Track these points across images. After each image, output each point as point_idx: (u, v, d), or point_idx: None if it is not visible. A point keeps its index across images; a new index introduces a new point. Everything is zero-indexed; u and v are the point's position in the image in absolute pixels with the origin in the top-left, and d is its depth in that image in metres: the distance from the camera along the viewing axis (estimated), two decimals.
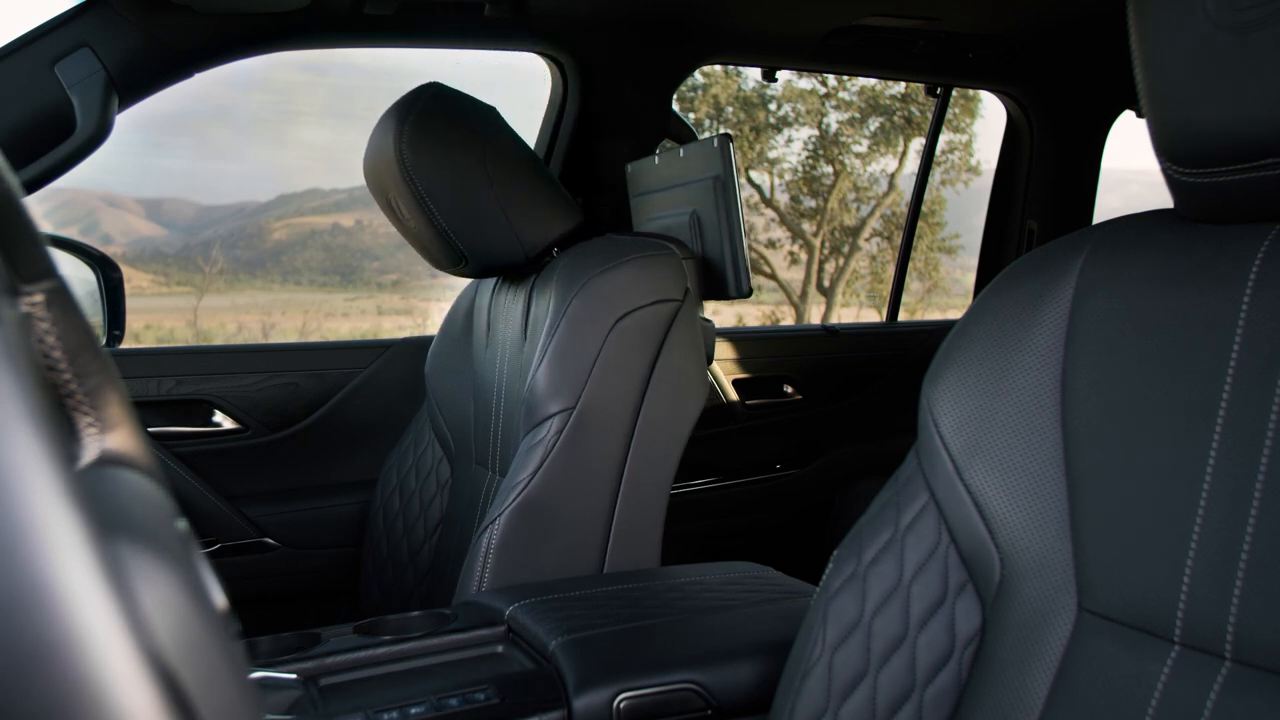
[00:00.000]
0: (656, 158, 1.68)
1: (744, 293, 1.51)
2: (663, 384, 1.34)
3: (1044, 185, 2.47)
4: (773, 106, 10.80)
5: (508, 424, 1.45)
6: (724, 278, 1.53)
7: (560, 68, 1.94)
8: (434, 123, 1.36)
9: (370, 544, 1.68)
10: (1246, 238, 0.63)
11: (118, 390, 0.26)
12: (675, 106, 2.04)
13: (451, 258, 1.44)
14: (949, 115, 4.02)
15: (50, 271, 0.25)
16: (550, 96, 2.00)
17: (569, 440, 1.29)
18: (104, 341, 1.61)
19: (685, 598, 1.12)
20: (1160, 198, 0.72)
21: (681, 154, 1.61)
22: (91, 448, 0.26)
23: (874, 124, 10.91)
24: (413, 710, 0.87)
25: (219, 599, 0.25)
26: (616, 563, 1.34)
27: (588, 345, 1.31)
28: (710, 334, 1.50)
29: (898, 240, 7.32)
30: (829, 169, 11.00)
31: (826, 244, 11.08)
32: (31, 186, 1.40)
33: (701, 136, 1.68)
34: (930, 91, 2.53)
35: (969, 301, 0.96)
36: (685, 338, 1.37)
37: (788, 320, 11.13)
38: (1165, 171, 0.66)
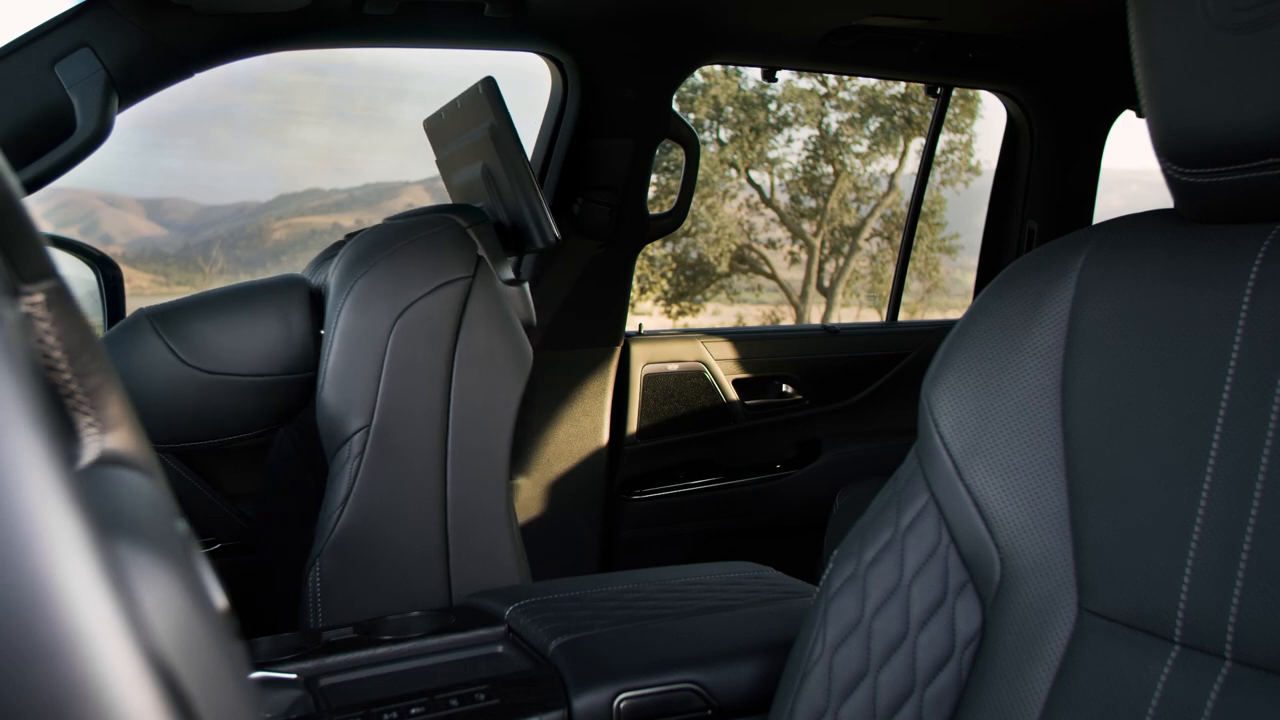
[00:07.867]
0: (444, 113, 1.54)
1: (550, 242, 1.37)
2: (469, 370, 1.21)
3: (1044, 185, 2.47)
4: (773, 106, 10.79)
5: None
6: (528, 230, 1.39)
7: (560, 68, 1.94)
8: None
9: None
10: (1246, 237, 0.63)
11: (118, 390, 0.26)
12: (675, 106, 2.04)
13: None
14: (949, 115, 4.02)
15: (50, 271, 0.25)
16: (550, 96, 2.00)
17: (375, 458, 1.17)
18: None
19: (685, 598, 1.11)
20: (1160, 198, 0.72)
21: (458, 105, 1.46)
22: (91, 448, 0.26)
23: (874, 124, 10.91)
24: (413, 710, 0.87)
25: (219, 599, 0.25)
26: (465, 570, 1.23)
27: (368, 354, 1.17)
28: (523, 295, 1.34)
29: (898, 240, 7.32)
30: (829, 169, 11.00)
31: (826, 244, 11.08)
32: (31, 186, 1.40)
33: (700, 136, 1.66)
34: (930, 91, 2.53)
35: (969, 301, 0.96)
36: (486, 313, 1.23)
37: (788, 320, 11.13)
38: (1165, 171, 0.66)
